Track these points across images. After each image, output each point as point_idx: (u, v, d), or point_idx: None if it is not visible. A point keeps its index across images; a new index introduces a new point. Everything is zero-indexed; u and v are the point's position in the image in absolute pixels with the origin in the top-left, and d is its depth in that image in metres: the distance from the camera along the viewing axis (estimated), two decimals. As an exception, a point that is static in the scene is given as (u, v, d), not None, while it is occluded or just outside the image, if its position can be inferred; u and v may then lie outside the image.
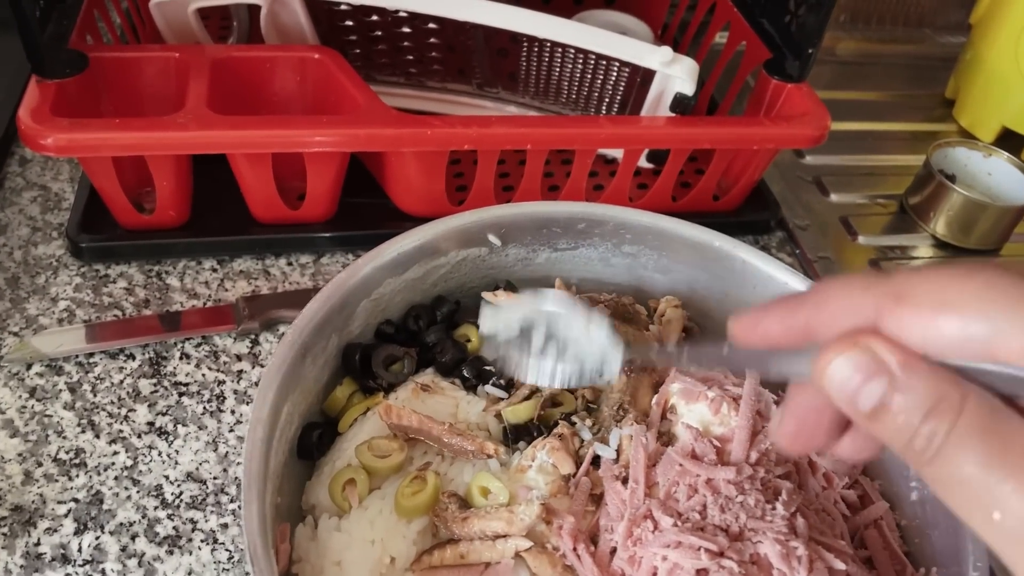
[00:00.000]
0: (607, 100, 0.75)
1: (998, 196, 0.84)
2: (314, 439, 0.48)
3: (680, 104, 0.68)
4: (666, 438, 0.46)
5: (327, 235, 0.71)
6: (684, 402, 0.46)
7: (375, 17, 0.71)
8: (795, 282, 0.53)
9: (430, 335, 0.54)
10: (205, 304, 0.65)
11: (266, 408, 0.42)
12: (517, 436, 0.49)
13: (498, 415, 0.50)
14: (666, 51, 0.65)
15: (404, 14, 0.69)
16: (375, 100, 0.65)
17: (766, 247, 0.78)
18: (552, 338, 0.41)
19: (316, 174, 0.66)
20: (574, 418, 0.49)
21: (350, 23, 0.72)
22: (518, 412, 0.49)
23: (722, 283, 0.56)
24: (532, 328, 0.41)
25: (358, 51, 0.76)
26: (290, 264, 0.70)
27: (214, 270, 0.68)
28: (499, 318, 0.41)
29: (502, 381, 0.52)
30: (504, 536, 0.42)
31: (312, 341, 0.47)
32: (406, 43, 0.74)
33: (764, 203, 0.80)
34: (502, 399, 0.50)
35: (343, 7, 0.70)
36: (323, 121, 0.63)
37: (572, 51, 0.70)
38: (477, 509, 0.45)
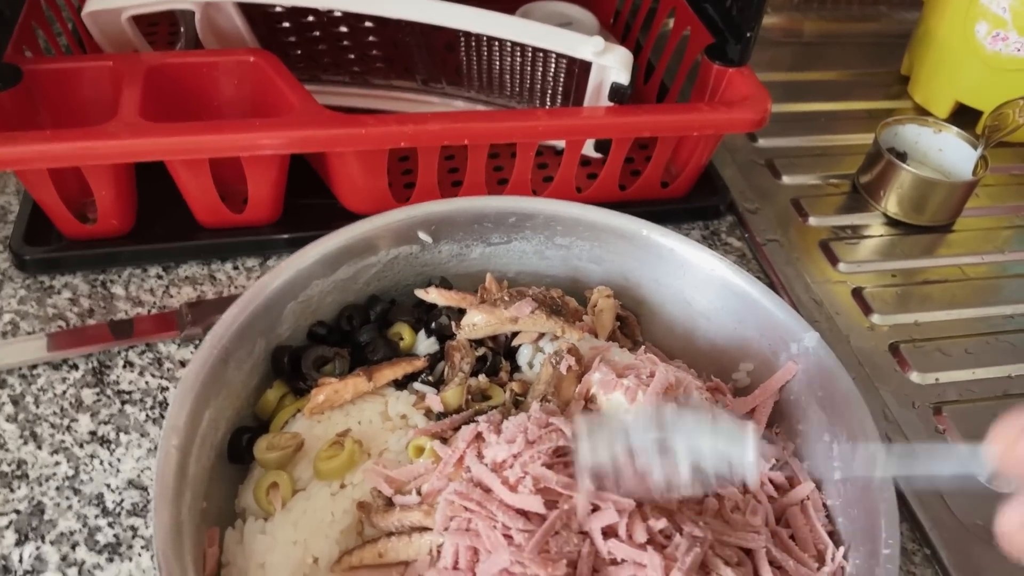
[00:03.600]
0: (550, 91, 0.75)
1: (950, 172, 0.84)
2: (244, 443, 0.49)
3: (617, 93, 0.68)
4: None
5: (274, 237, 0.71)
6: (603, 392, 0.46)
7: (311, 18, 0.71)
8: (720, 267, 0.53)
9: (362, 334, 0.54)
10: (150, 311, 0.65)
11: (182, 416, 0.42)
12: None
13: (428, 411, 0.50)
14: (598, 41, 0.65)
15: (339, 14, 0.69)
16: (310, 101, 0.65)
17: (716, 232, 0.78)
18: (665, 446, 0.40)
19: (256, 177, 0.66)
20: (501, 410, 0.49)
21: (287, 24, 0.72)
22: (447, 399, 0.50)
23: (652, 271, 0.57)
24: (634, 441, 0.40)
25: (300, 52, 0.76)
26: (236, 268, 0.70)
27: (159, 277, 0.68)
28: (597, 445, 0.40)
29: (430, 378, 0.52)
30: (421, 530, 0.42)
31: (234, 346, 0.47)
32: (346, 42, 0.74)
33: (713, 188, 0.80)
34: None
35: (278, 9, 0.70)
36: (256, 124, 0.63)
37: (510, 45, 0.70)
38: (400, 503, 0.45)
